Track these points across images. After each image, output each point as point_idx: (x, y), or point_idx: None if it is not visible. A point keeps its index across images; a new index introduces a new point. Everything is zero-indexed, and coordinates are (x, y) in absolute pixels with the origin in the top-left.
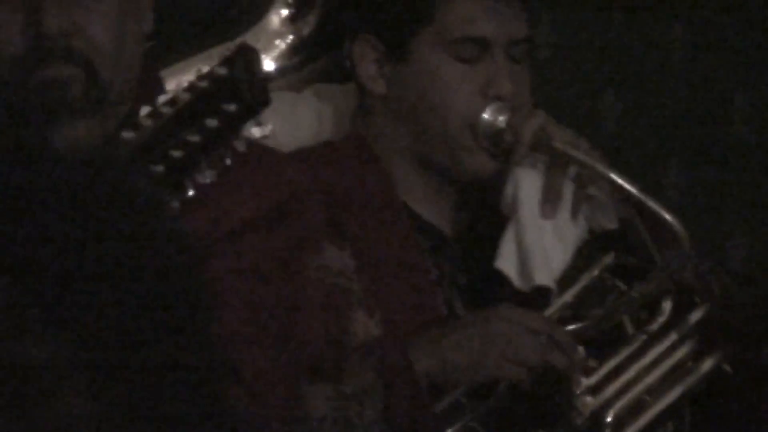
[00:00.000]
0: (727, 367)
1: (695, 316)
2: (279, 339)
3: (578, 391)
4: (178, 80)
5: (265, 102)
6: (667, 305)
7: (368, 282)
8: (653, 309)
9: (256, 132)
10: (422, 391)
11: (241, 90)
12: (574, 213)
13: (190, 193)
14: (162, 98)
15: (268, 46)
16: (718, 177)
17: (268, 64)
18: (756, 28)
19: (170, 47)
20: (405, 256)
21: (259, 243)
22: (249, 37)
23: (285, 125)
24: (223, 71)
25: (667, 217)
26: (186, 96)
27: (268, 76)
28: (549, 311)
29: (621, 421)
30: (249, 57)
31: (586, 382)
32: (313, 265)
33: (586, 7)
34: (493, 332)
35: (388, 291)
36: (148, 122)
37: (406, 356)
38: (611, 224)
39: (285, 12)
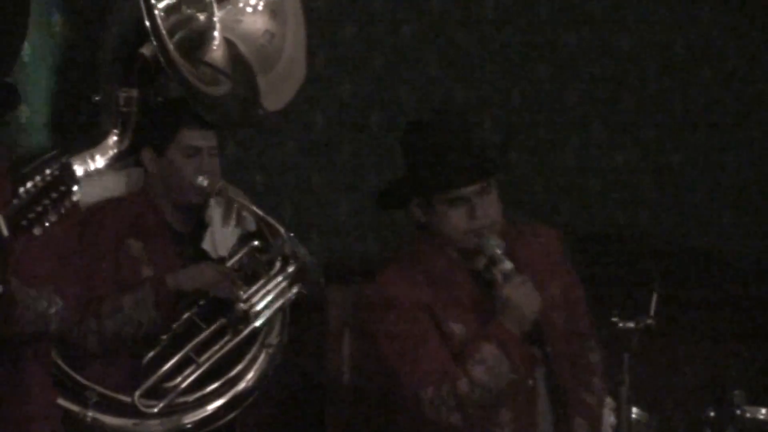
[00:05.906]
0: (303, 290)
1: (291, 268)
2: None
3: (240, 299)
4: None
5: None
6: (278, 263)
7: (151, 253)
8: (272, 264)
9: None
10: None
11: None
12: (236, 223)
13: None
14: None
15: (105, 153)
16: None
17: (100, 162)
18: None
19: None
20: (165, 243)
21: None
22: (99, 149)
23: (96, 189)
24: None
25: (276, 225)
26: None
27: (99, 170)
28: (225, 266)
29: (258, 314)
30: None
31: (244, 295)
32: (122, 248)
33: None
34: (208, 272)
35: (163, 254)
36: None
37: (163, 280)
38: (253, 228)
39: (115, 138)
